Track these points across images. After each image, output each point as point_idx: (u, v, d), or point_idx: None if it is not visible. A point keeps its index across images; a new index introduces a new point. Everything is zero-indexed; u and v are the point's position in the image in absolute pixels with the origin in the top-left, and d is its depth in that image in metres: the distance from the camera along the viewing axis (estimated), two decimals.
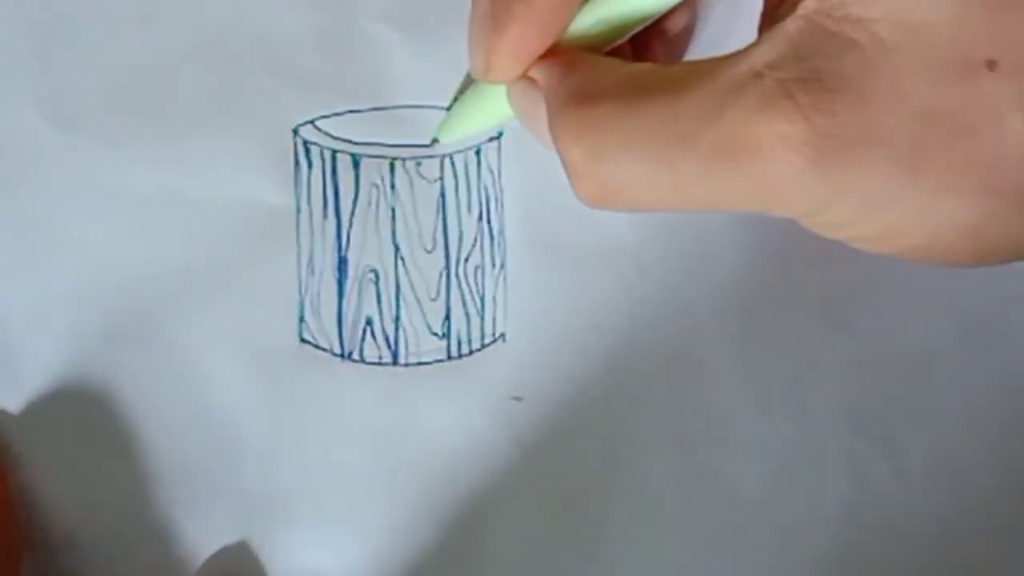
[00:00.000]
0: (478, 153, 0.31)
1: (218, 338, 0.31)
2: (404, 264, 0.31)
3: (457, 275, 0.31)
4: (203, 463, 0.31)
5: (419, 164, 0.31)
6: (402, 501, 0.31)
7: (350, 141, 0.31)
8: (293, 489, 0.31)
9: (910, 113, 0.21)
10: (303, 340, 0.31)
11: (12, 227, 0.31)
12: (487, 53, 0.25)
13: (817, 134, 0.21)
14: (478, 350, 0.31)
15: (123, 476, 0.31)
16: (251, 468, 0.31)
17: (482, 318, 0.31)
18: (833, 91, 0.21)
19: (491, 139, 0.31)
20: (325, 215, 0.31)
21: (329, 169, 0.31)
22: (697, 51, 0.31)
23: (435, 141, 0.30)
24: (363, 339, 0.31)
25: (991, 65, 0.21)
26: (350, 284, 0.31)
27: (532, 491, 0.31)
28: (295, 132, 0.31)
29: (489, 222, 0.31)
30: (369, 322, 0.31)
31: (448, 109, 0.30)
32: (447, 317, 0.31)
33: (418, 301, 0.31)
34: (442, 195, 0.31)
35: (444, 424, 0.31)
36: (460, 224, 0.31)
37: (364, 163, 0.31)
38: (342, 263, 0.31)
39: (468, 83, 0.29)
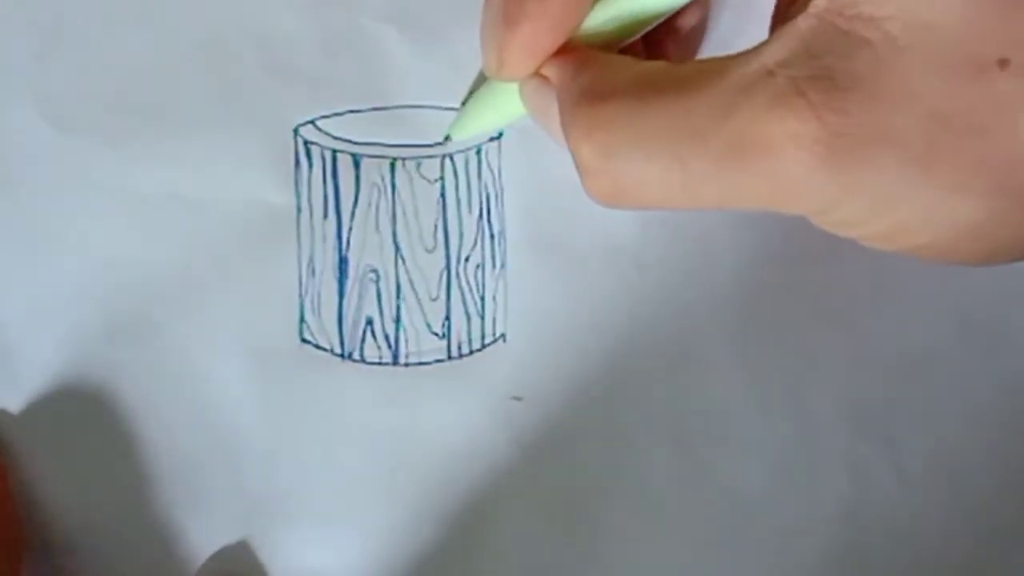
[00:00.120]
0: (479, 153, 0.31)
1: (218, 338, 0.31)
2: (404, 264, 0.31)
3: (457, 275, 0.31)
4: (203, 463, 0.31)
5: (419, 164, 0.31)
6: (402, 501, 0.31)
7: (351, 141, 0.31)
8: (293, 489, 0.31)
9: (921, 112, 0.21)
10: (303, 340, 0.31)
11: (12, 227, 0.31)
12: (500, 50, 0.25)
13: (829, 133, 0.21)
14: (478, 350, 0.31)
15: (123, 476, 0.31)
16: (251, 468, 0.31)
17: (482, 318, 0.31)
18: (845, 89, 0.21)
19: (491, 139, 0.31)
20: (325, 215, 0.31)
21: (330, 169, 0.31)
22: (709, 49, 0.31)
23: (447, 139, 0.30)
24: (363, 339, 0.31)
25: (1003, 64, 0.21)
26: (350, 284, 0.31)
27: (532, 491, 0.31)
28: (296, 132, 0.31)
29: (489, 222, 0.31)
30: (369, 322, 0.31)
31: (461, 106, 0.30)
32: (447, 317, 0.31)
33: (418, 301, 0.31)
34: (442, 195, 0.31)
35: (444, 424, 0.31)
36: (460, 224, 0.31)
37: (365, 163, 0.31)
38: (342, 263, 0.31)
39: (481, 81, 0.29)
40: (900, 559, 0.31)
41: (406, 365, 0.31)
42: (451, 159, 0.31)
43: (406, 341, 0.31)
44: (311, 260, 0.31)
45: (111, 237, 0.31)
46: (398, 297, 0.31)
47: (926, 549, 0.31)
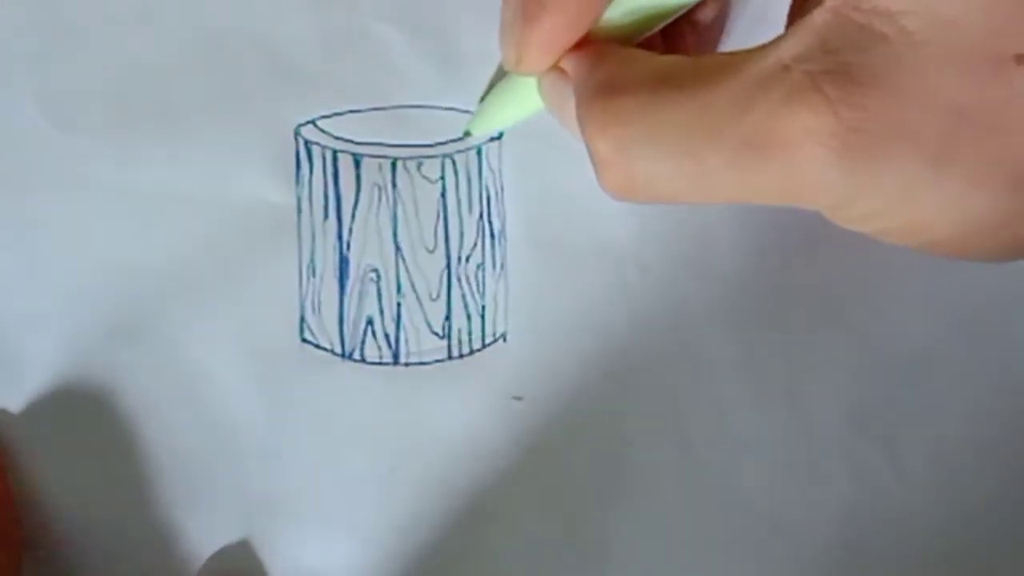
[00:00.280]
0: (479, 153, 0.31)
1: (219, 338, 0.31)
2: (405, 264, 0.31)
3: (458, 275, 0.31)
4: (204, 463, 0.31)
5: (420, 164, 0.31)
6: (402, 501, 0.31)
7: (351, 141, 0.31)
8: (294, 488, 0.31)
9: (938, 107, 0.21)
10: (304, 340, 0.31)
11: (12, 227, 0.31)
12: (518, 46, 0.25)
13: (845, 128, 0.21)
14: (479, 350, 0.31)
15: (124, 476, 0.31)
16: (252, 468, 0.31)
17: (483, 318, 0.31)
18: (861, 84, 0.21)
19: (492, 139, 0.31)
20: (326, 215, 0.31)
21: (330, 169, 0.31)
22: (730, 44, 0.31)
23: (467, 134, 0.30)
24: (364, 339, 0.31)
25: (1020, 60, 0.21)
26: (351, 284, 0.31)
27: (532, 491, 0.31)
28: (296, 132, 0.31)
29: (490, 222, 0.31)
30: (370, 322, 0.31)
31: (480, 102, 0.30)
32: (448, 317, 0.31)
33: (419, 301, 0.31)
34: (443, 195, 0.31)
35: (445, 424, 0.31)
36: (461, 224, 0.31)
37: (365, 163, 0.31)
38: (343, 263, 0.31)
39: (500, 76, 0.29)
40: (900, 558, 0.31)
41: (406, 365, 0.31)
42: (452, 159, 0.31)
43: (406, 341, 0.31)
44: (312, 260, 0.31)
45: (112, 237, 0.31)
46: (399, 297, 0.31)
47: (926, 548, 0.31)
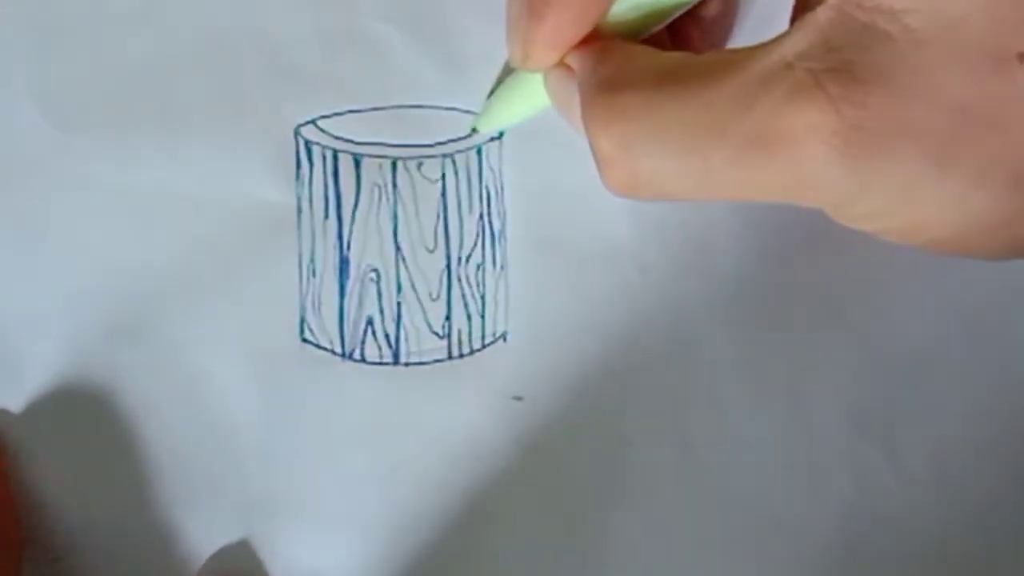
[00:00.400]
0: (479, 153, 0.31)
1: (219, 338, 0.31)
2: (405, 264, 0.31)
3: (458, 275, 0.31)
4: (204, 463, 0.31)
5: (420, 164, 0.31)
6: (402, 500, 0.31)
7: (351, 141, 0.31)
8: (294, 488, 0.31)
9: (941, 106, 0.21)
10: (304, 340, 0.31)
11: (12, 227, 0.31)
12: (524, 42, 0.25)
13: (847, 125, 0.21)
14: (479, 350, 0.31)
15: (124, 476, 0.31)
16: (252, 468, 0.31)
17: (483, 318, 0.31)
18: (864, 82, 0.21)
19: (492, 139, 0.31)
20: (326, 215, 0.31)
21: (330, 169, 0.31)
22: (740, 39, 0.30)
23: (474, 131, 0.30)
24: (364, 339, 0.31)
25: (1022, 58, 0.21)
26: (351, 284, 0.31)
27: (533, 490, 0.31)
28: (296, 132, 0.31)
29: (490, 222, 0.31)
30: (370, 322, 0.31)
31: (487, 99, 0.30)
32: (448, 317, 0.31)
33: (419, 301, 0.31)
34: (443, 195, 0.31)
35: (445, 423, 0.31)
36: (461, 224, 0.31)
37: (365, 163, 0.31)
38: (343, 263, 0.31)
39: (506, 72, 0.29)
40: (900, 558, 0.31)
41: (407, 365, 0.31)
42: (452, 159, 0.31)
43: (407, 341, 0.31)
44: (312, 260, 0.31)
45: (112, 237, 0.31)
46: (399, 297, 0.31)
47: (926, 548, 0.31)
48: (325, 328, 0.31)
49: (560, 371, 0.31)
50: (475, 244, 0.31)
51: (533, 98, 0.27)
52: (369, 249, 0.31)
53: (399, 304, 0.31)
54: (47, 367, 0.31)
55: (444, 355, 0.31)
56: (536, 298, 0.31)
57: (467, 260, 0.31)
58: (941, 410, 0.31)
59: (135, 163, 0.31)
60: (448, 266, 0.31)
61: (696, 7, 0.27)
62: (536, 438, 0.31)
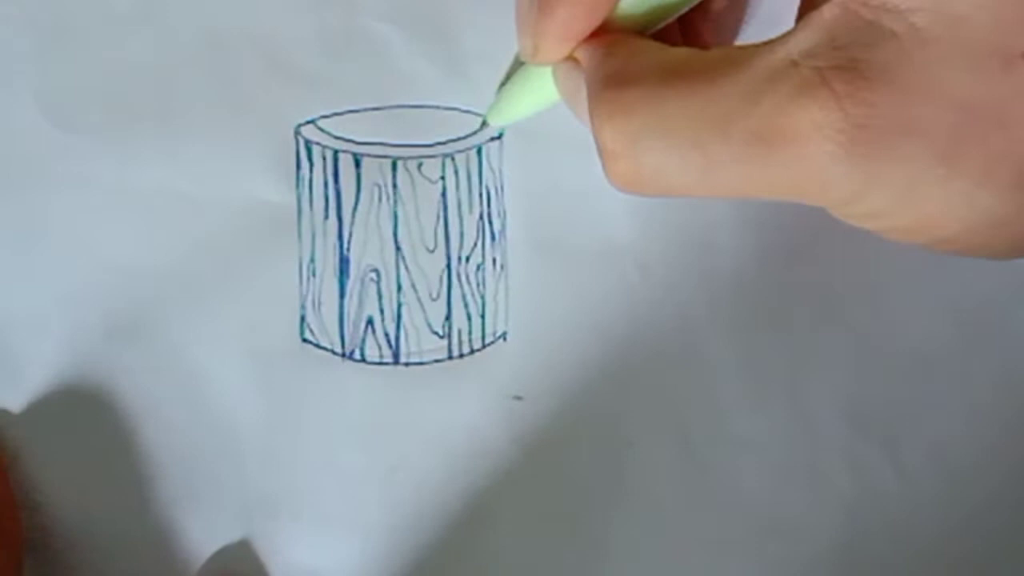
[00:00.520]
0: (479, 153, 0.31)
1: (219, 338, 0.31)
2: (405, 264, 0.31)
3: (458, 275, 0.31)
4: (204, 462, 0.31)
5: (421, 164, 0.31)
6: (402, 500, 0.31)
7: (352, 141, 0.31)
8: (294, 488, 0.31)
9: (946, 104, 0.21)
10: (304, 340, 0.31)
11: (13, 227, 0.31)
12: (535, 35, 0.25)
13: (852, 123, 0.21)
14: (479, 350, 0.31)
15: (125, 476, 0.31)
16: (252, 467, 0.31)
17: (483, 318, 0.31)
18: (869, 80, 0.21)
19: (492, 139, 0.31)
20: (326, 215, 0.31)
21: (331, 169, 0.31)
22: (750, 35, 0.30)
23: (484, 124, 0.30)
24: (364, 339, 0.31)
25: None
26: (351, 284, 0.31)
27: (533, 490, 0.31)
28: (296, 131, 0.31)
29: (490, 222, 0.31)
30: (370, 322, 0.31)
31: (497, 92, 0.30)
32: (448, 317, 0.31)
33: (419, 301, 0.31)
34: (443, 195, 0.31)
35: (445, 423, 0.31)
36: (461, 224, 0.31)
37: (366, 163, 0.31)
38: (343, 263, 0.31)
39: (517, 66, 0.29)
40: (900, 557, 0.31)
41: (407, 365, 0.31)
42: (452, 159, 0.31)
43: (407, 341, 0.31)
44: (312, 260, 0.31)
45: (112, 237, 0.31)
46: (399, 297, 0.31)
47: (926, 547, 0.31)
48: (325, 328, 0.31)
49: (560, 371, 0.31)
50: (475, 244, 0.31)
51: (544, 92, 0.27)
52: (369, 249, 0.31)
53: (399, 304, 0.31)
54: (47, 367, 0.31)
55: (444, 355, 0.31)
56: (536, 298, 0.31)
57: (467, 260, 0.31)
58: (941, 410, 0.31)
59: (135, 163, 0.31)
60: (448, 266, 0.31)
61: (706, 1, 0.27)
62: (536, 438, 0.31)
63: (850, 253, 0.31)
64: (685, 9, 0.26)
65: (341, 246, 0.31)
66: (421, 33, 0.31)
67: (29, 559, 0.31)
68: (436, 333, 0.31)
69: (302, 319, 0.31)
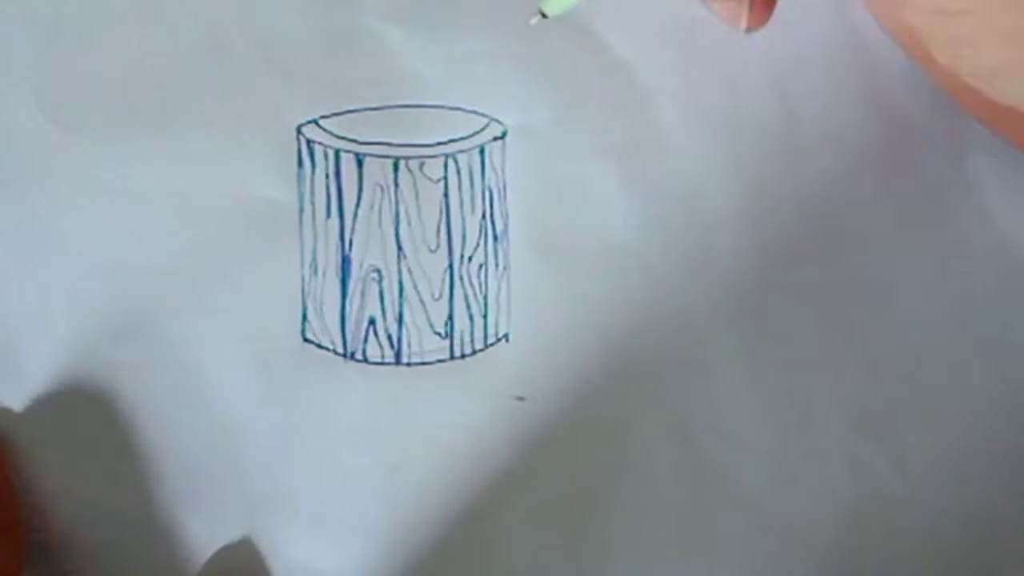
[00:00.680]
0: (482, 153, 0.31)
1: (221, 337, 0.31)
2: (407, 264, 0.31)
3: (460, 275, 0.31)
4: (206, 462, 0.31)
5: (423, 164, 0.31)
6: (403, 500, 0.31)
7: (354, 140, 0.31)
8: (296, 487, 0.31)
9: None
10: (306, 340, 0.31)
11: (14, 226, 0.31)
12: None
13: None
14: (481, 350, 0.31)
15: (126, 475, 0.31)
16: (254, 467, 0.31)
17: (485, 318, 0.31)
18: None
19: (494, 139, 0.31)
20: (328, 214, 0.31)
21: (332, 168, 0.31)
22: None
23: (542, 15, 0.28)
24: (366, 339, 0.31)
25: None
26: (353, 284, 0.31)
27: (535, 490, 0.31)
28: (298, 131, 0.31)
29: (492, 222, 0.31)
30: (372, 322, 0.31)
31: None
32: (450, 317, 0.31)
33: (421, 301, 0.31)
34: (445, 195, 0.31)
35: (446, 423, 0.31)
36: (463, 224, 0.31)
37: (368, 162, 0.31)
38: (345, 262, 0.31)
39: None
40: (901, 557, 0.31)
41: (408, 365, 0.31)
42: (454, 159, 0.31)
43: (409, 341, 0.31)
44: (314, 259, 0.31)
45: (114, 236, 0.31)
46: (401, 297, 0.31)
47: (927, 547, 0.31)
48: (327, 328, 0.31)
49: (562, 371, 0.31)
50: (477, 244, 0.31)
51: None
52: (371, 249, 0.31)
53: (401, 304, 0.31)
54: (48, 366, 0.31)
55: (446, 355, 0.31)
56: (538, 298, 0.31)
57: (469, 260, 0.31)
58: (942, 409, 0.31)
59: (135, 163, 0.31)
60: (450, 266, 0.31)
61: None
62: (538, 438, 0.31)
63: (850, 253, 0.31)
64: None
65: (343, 246, 0.31)
66: (424, 32, 0.31)
67: (30, 558, 0.31)
68: (438, 333, 0.31)
69: (304, 319, 0.31)
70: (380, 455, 0.31)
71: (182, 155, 0.31)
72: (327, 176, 0.31)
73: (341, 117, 0.31)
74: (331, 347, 0.31)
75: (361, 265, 0.31)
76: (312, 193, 0.31)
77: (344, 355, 0.31)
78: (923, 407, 0.31)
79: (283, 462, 0.31)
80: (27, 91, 0.31)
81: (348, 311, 0.31)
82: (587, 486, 0.31)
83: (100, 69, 0.31)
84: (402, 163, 0.31)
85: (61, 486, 0.31)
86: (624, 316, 0.31)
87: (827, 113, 0.31)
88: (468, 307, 0.31)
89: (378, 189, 0.31)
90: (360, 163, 0.31)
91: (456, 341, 0.31)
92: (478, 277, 0.31)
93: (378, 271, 0.31)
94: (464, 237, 0.31)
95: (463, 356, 0.31)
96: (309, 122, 0.31)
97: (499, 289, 0.31)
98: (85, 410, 0.31)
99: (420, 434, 0.31)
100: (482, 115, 0.31)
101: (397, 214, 0.31)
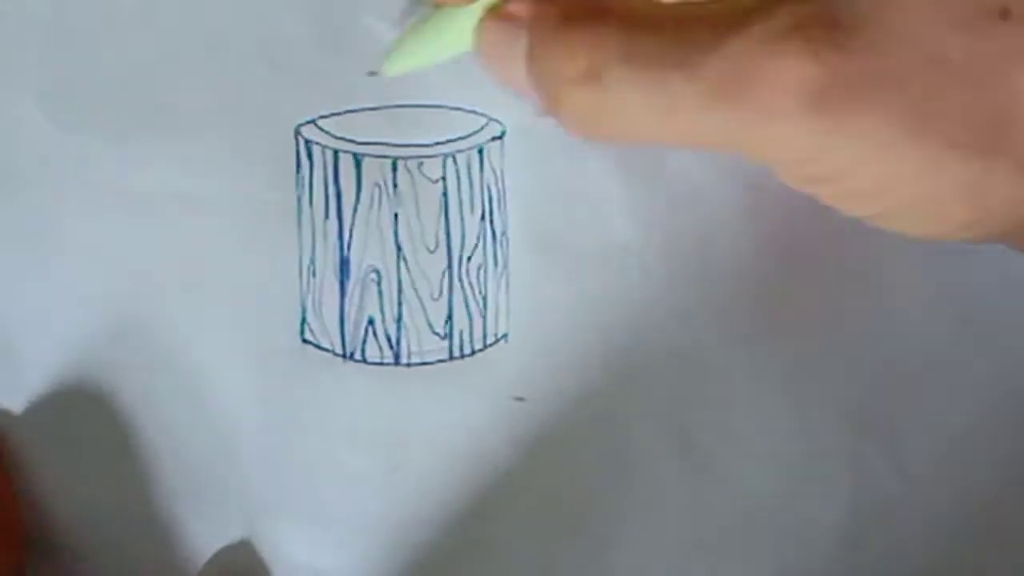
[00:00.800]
0: (480, 153, 0.31)
1: (220, 338, 0.31)
2: (406, 264, 0.31)
3: (459, 275, 0.31)
4: (205, 463, 0.31)
5: (421, 164, 0.31)
6: (403, 500, 0.31)
7: (352, 141, 0.30)
8: (295, 488, 0.31)
9: (920, 58, 0.20)
10: (305, 340, 0.31)
11: (14, 226, 0.31)
12: None
13: (824, 73, 0.20)
14: (480, 350, 0.31)
15: (126, 476, 0.31)
16: (253, 468, 0.31)
17: (484, 318, 0.31)
18: (845, 29, 0.20)
19: (493, 138, 0.31)
20: (327, 215, 0.31)
21: (331, 169, 0.31)
22: None
23: (372, 74, 0.28)
24: (365, 339, 0.31)
25: (1004, 14, 0.20)
26: (352, 284, 0.31)
27: (534, 491, 0.31)
28: (297, 131, 0.31)
29: (492, 222, 0.31)
30: (371, 322, 0.31)
31: (395, 41, 0.28)
32: (449, 317, 0.31)
33: (420, 301, 0.31)
34: (444, 195, 0.31)
35: (446, 424, 0.31)
36: (462, 224, 0.31)
37: (366, 163, 0.31)
38: (344, 263, 0.31)
39: (420, 13, 0.28)
40: (903, 558, 0.31)
41: (408, 365, 0.31)
42: (453, 159, 0.31)
43: (408, 341, 0.31)
44: (312, 260, 0.31)
45: (113, 237, 0.31)
46: (400, 297, 0.31)
47: (929, 548, 0.31)
48: (326, 328, 0.31)
49: (561, 372, 0.31)
50: (476, 244, 0.31)
51: (449, 40, 0.26)
52: (370, 249, 0.31)
53: (400, 304, 0.31)
54: (48, 367, 0.31)
55: (445, 355, 0.31)
56: (538, 299, 0.31)
57: (468, 260, 0.31)
58: (942, 410, 0.31)
59: (136, 162, 0.31)
60: (449, 266, 0.31)
61: None
62: (537, 439, 0.31)
63: (850, 253, 0.31)
64: None
65: (342, 246, 0.31)
66: None
67: (30, 559, 0.31)
68: (437, 334, 0.31)
69: (303, 319, 0.31)
70: (380, 455, 0.31)
71: (180, 156, 0.31)
72: (325, 176, 0.31)
73: (339, 117, 0.31)
74: (330, 347, 0.31)
75: (360, 265, 0.31)
76: (310, 193, 0.31)
77: (343, 355, 0.31)
78: (923, 407, 0.31)
79: (283, 462, 0.31)
80: (27, 91, 0.31)
81: (347, 311, 0.31)
82: (587, 486, 0.31)
83: (100, 69, 0.31)
84: (401, 163, 0.31)
85: (61, 486, 0.31)
86: (624, 316, 0.31)
87: None
88: (467, 307, 0.31)
89: (377, 189, 0.31)
90: (358, 163, 0.31)
91: (455, 341, 0.31)
92: (477, 277, 0.31)
93: (377, 271, 0.31)
94: (463, 237, 0.31)
95: (462, 356, 0.31)
96: (307, 122, 0.31)
97: (498, 289, 0.31)
98: (85, 410, 0.31)
99: (420, 434, 0.31)
100: (481, 115, 0.31)
101: (396, 214, 0.31)
